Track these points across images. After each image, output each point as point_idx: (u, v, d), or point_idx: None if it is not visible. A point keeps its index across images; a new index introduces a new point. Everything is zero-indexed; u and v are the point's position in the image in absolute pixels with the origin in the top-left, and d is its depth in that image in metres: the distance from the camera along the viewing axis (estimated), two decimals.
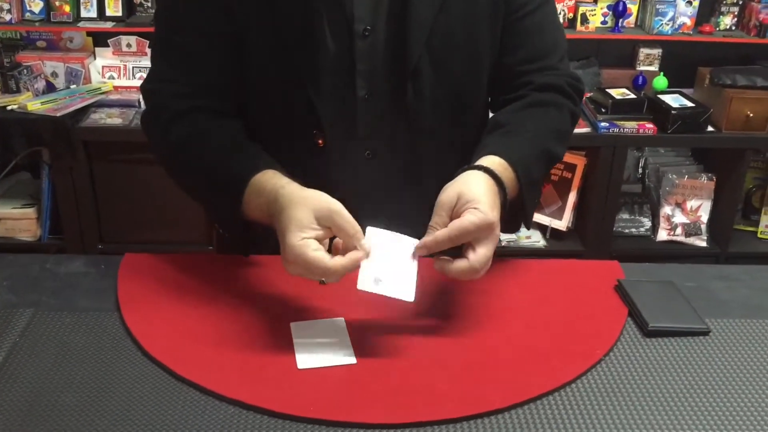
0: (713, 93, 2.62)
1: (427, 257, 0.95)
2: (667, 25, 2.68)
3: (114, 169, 2.55)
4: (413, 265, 0.93)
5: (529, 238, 2.72)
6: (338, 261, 0.89)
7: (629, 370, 0.93)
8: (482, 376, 0.91)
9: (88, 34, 2.72)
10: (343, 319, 0.99)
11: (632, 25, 2.77)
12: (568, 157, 2.63)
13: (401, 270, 0.93)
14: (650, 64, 2.80)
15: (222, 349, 0.94)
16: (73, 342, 0.95)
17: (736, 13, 2.74)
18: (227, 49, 1.08)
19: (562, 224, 2.72)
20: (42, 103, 2.50)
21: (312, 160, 1.11)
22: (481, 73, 1.15)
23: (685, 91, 2.69)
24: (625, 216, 2.79)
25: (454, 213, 0.94)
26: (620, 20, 2.70)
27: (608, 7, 2.71)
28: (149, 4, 2.71)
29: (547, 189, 2.70)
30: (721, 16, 2.74)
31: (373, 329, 0.98)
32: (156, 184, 2.43)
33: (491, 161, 1.01)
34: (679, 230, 2.76)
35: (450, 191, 0.95)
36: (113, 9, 2.67)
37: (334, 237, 0.93)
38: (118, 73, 2.72)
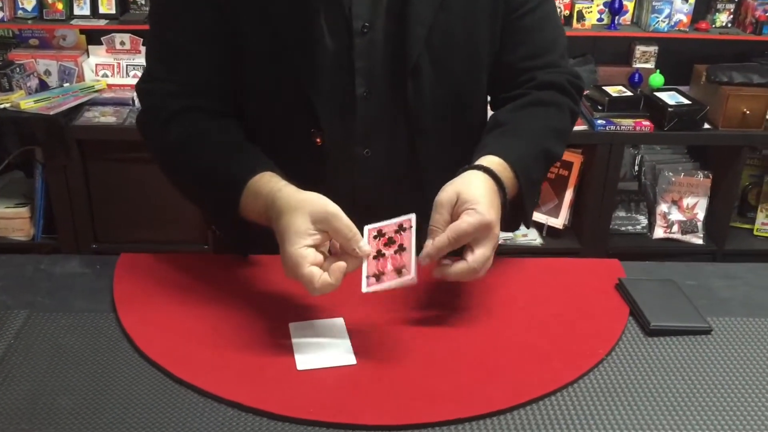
0: (709, 90, 2.62)
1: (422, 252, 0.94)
2: (663, 22, 2.68)
3: (108, 167, 2.53)
4: (410, 245, 0.92)
5: (526, 236, 2.71)
6: (325, 281, 0.88)
7: (631, 370, 0.93)
8: (483, 376, 0.90)
9: (82, 31, 2.71)
10: (342, 319, 0.98)
11: (628, 23, 2.77)
12: (565, 155, 2.62)
13: (399, 255, 0.91)
14: (646, 62, 2.79)
15: (220, 350, 0.93)
16: (68, 344, 0.94)
17: (732, 10, 2.74)
18: (223, 47, 1.07)
19: (559, 222, 2.71)
20: (35, 102, 2.49)
21: (310, 159, 1.10)
22: (481, 71, 1.15)
23: (681, 88, 2.69)
24: (622, 214, 2.79)
25: (454, 213, 0.94)
26: (616, 17, 2.70)
27: (604, 4, 2.70)
28: (143, 2, 2.70)
29: (543, 187, 2.70)
30: (717, 13, 2.74)
31: (372, 329, 0.97)
32: (150, 182, 2.42)
33: (491, 161, 1.01)
34: (675, 228, 2.76)
35: (449, 190, 0.95)
36: (106, 6, 2.65)
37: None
38: (112, 71, 2.70)
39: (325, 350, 0.93)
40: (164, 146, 1.09)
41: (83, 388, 0.87)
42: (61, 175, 2.50)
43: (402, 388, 0.87)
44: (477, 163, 1.01)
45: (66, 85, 2.65)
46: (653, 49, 2.78)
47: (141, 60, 2.66)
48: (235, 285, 1.06)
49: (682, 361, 0.95)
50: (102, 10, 2.65)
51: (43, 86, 2.65)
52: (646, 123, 2.55)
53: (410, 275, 0.89)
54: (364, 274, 0.91)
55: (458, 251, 0.95)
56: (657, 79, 2.70)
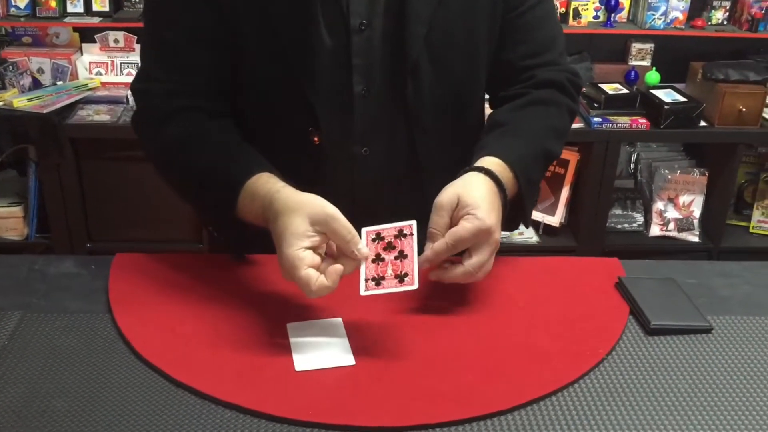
0: (706, 88, 2.62)
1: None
2: (660, 19, 2.67)
3: (102, 166, 2.52)
4: (412, 252, 0.92)
5: (522, 234, 2.71)
6: (322, 284, 0.88)
7: (632, 369, 0.92)
8: (484, 376, 0.89)
9: (75, 29, 2.69)
10: (340, 319, 0.97)
11: (624, 20, 2.77)
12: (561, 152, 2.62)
13: (400, 261, 0.91)
14: (642, 59, 2.79)
15: (217, 351, 0.92)
16: (63, 345, 0.93)
17: (728, 7, 2.74)
18: (219, 46, 1.06)
19: (555, 220, 2.71)
20: (28, 100, 2.47)
21: (308, 158, 1.09)
22: (480, 70, 1.14)
23: (677, 86, 2.69)
24: (618, 211, 2.78)
25: (454, 216, 0.94)
26: (612, 15, 2.70)
27: (600, 1, 2.70)
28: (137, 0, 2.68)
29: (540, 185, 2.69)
30: (713, 11, 2.74)
31: (371, 329, 0.96)
32: (145, 181, 2.41)
33: (491, 162, 1.01)
34: (671, 225, 2.76)
35: (450, 192, 0.95)
36: (100, 4, 2.64)
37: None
38: (106, 69, 2.68)
39: (323, 351, 0.92)
40: (160, 146, 1.08)
41: (78, 390, 0.86)
42: (55, 173, 2.48)
43: (401, 389, 0.87)
44: (477, 164, 1.00)
45: (59, 83, 2.64)
46: (649, 46, 2.78)
47: (135, 58, 2.64)
48: (232, 285, 1.05)
49: (683, 360, 0.94)
50: (95, 7, 2.63)
51: (36, 84, 2.63)
52: (643, 121, 2.54)
53: (413, 285, 0.89)
54: (363, 277, 0.91)
55: (459, 251, 0.95)
56: (653, 76, 2.70)
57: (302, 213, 0.89)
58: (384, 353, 0.92)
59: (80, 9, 2.63)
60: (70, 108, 2.51)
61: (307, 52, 1.04)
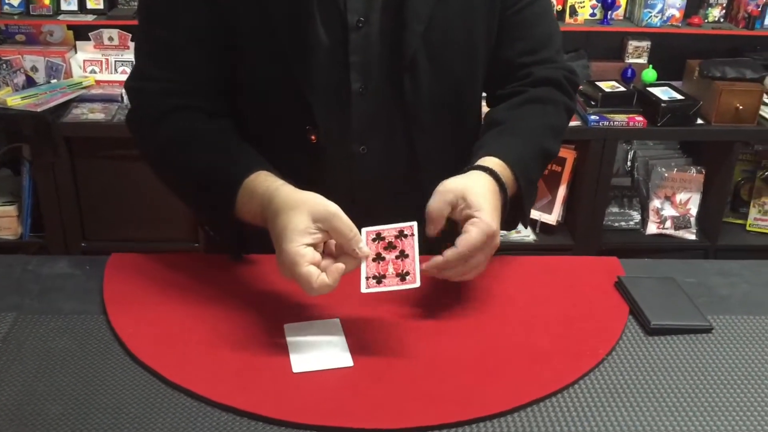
0: (702, 85, 2.61)
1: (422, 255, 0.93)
2: (656, 17, 2.67)
3: (96, 165, 2.51)
4: (413, 252, 0.92)
5: (519, 232, 2.70)
6: (323, 281, 0.87)
7: (632, 370, 0.92)
8: (483, 378, 0.89)
9: (69, 27, 2.68)
10: (338, 319, 0.96)
11: (621, 18, 2.76)
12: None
13: (401, 261, 0.91)
14: (639, 57, 2.79)
15: (213, 352, 0.91)
16: (57, 347, 0.92)
17: (724, 5, 2.74)
18: (215, 44, 1.05)
19: (552, 218, 2.71)
20: (22, 98, 2.46)
21: (306, 156, 1.08)
22: (478, 67, 1.14)
23: (674, 83, 2.69)
24: (615, 210, 2.78)
25: (456, 209, 0.94)
26: (609, 12, 2.69)
27: None
28: None
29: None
30: (709, 8, 2.74)
31: (369, 330, 0.95)
32: (139, 180, 2.40)
33: (492, 162, 1.01)
34: (668, 223, 2.76)
35: (458, 182, 0.95)
36: (94, 2, 2.62)
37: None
38: (100, 67, 2.67)
39: (321, 352, 0.91)
40: (156, 145, 1.07)
41: (73, 393, 0.85)
42: (49, 172, 2.47)
43: (400, 391, 0.86)
44: (479, 163, 1.00)
45: (53, 81, 2.62)
46: (646, 44, 2.78)
47: (130, 56, 2.63)
48: (228, 285, 1.04)
49: (684, 360, 0.94)
50: (90, 5, 2.62)
51: (30, 83, 2.62)
52: (639, 118, 2.54)
53: (415, 283, 0.89)
54: (363, 275, 0.90)
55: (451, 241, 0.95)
56: (650, 74, 2.70)
57: (304, 210, 0.89)
58: (382, 354, 0.91)
59: (74, 7, 2.62)
60: (65, 106, 2.50)
61: (304, 49, 1.03)
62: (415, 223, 0.93)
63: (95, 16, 2.61)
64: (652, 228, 2.77)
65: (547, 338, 0.96)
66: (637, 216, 2.79)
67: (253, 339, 0.93)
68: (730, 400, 0.87)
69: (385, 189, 1.12)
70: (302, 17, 1.02)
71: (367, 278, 0.90)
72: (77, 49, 2.68)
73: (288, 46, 1.03)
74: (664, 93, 2.59)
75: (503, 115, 1.11)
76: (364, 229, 0.93)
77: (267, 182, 0.96)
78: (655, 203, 2.76)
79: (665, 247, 2.74)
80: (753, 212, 2.82)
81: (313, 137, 1.07)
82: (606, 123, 2.52)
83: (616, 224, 2.78)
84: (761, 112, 2.59)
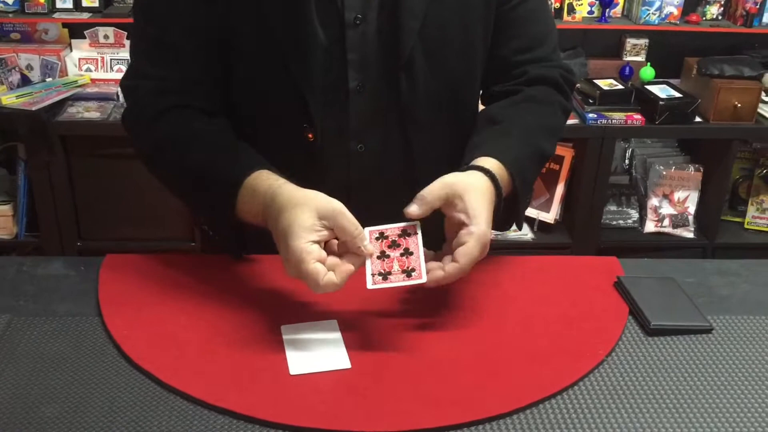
0: (700, 83, 2.61)
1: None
2: (654, 14, 2.66)
3: (92, 164, 2.49)
4: (417, 249, 0.92)
5: (517, 231, 2.69)
6: (330, 279, 0.87)
7: (632, 371, 0.91)
8: (482, 379, 0.88)
9: (64, 25, 2.66)
10: (336, 321, 0.95)
11: (619, 15, 2.75)
12: (556, 149, 2.61)
13: (406, 258, 0.91)
14: (637, 55, 2.78)
15: (209, 354, 0.90)
16: (51, 349, 0.91)
17: (722, 2, 2.73)
18: (211, 42, 1.04)
19: (550, 217, 2.70)
20: (17, 97, 2.45)
21: (303, 155, 1.08)
22: (476, 64, 1.13)
23: (672, 81, 2.68)
24: (613, 208, 2.77)
25: (450, 208, 0.93)
26: (607, 10, 2.68)
27: None
28: None
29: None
30: (707, 6, 2.73)
31: (367, 331, 0.95)
32: (136, 179, 2.38)
33: (490, 164, 0.99)
34: (666, 222, 2.75)
35: (459, 180, 0.94)
36: (89, 0, 2.60)
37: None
38: (96, 65, 2.66)
39: (318, 354, 0.90)
40: (154, 144, 1.06)
41: (67, 396, 0.84)
42: (45, 171, 2.46)
43: (399, 393, 0.85)
44: (477, 164, 0.99)
45: (49, 79, 2.61)
46: (644, 41, 2.77)
47: (125, 54, 2.62)
48: (224, 286, 1.03)
49: (684, 360, 0.93)
50: (85, 3, 2.60)
51: (25, 81, 2.60)
52: (638, 116, 2.53)
53: (422, 278, 0.89)
54: (369, 272, 0.90)
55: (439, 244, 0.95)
56: (648, 72, 2.69)
57: (309, 207, 0.88)
58: (380, 356, 0.91)
59: (69, 5, 2.60)
60: (60, 105, 2.48)
61: (301, 47, 1.02)
62: (417, 222, 0.94)
63: (90, 14, 2.60)
64: (650, 226, 2.76)
65: (547, 339, 0.95)
66: (635, 214, 2.79)
67: (249, 340, 0.92)
68: (730, 401, 0.86)
69: (382, 187, 1.12)
70: (299, 15, 1.01)
71: (373, 275, 0.90)
72: (72, 48, 2.67)
73: (285, 44, 1.02)
74: (662, 91, 2.58)
75: (500, 113, 1.11)
76: (366, 229, 0.92)
77: (269, 181, 0.95)
78: (653, 201, 2.76)
79: (663, 246, 2.74)
80: (751, 210, 2.82)
81: (310, 135, 1.06)
82: (604, 121, 2.52)
83: (614, 222, 2.78)
84: (759, 110, 2.58)
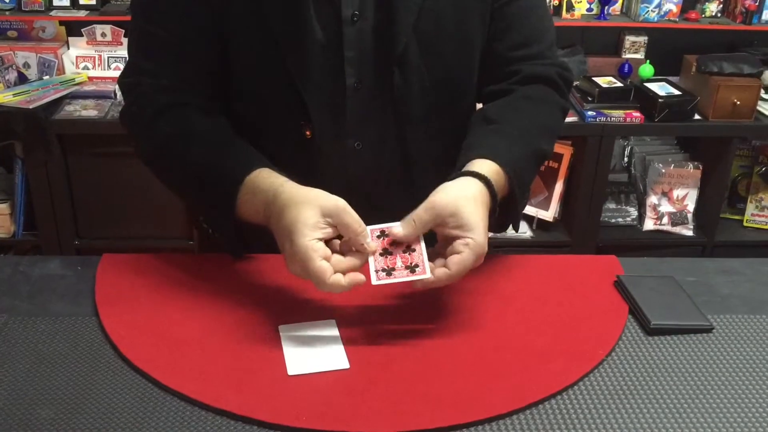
0: (700, 81, 2.60)
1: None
2: (653, 12, 2.65)
3: (90, 162, 2.49)
4: (420, 246, 0.92)
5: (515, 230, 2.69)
6: (337, 281, 0.87)
7: (632, 370, 0.91)
8: (482, 380, 0.87)
9: (61, 23, 2.65)
10: (334, 321, 0.95)
11: (618, 13, 2.75)
12: (555, 147, 2.60)
13: (409, 254, 0.92)
14: (636, 52, 2.77)
15: (207, 355, 0.90)
16: (48, 350, 0.91)
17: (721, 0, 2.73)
18: (208, 39, 1.04)
19: (549, 215, 2.69)
20: (14, 95, 2.44)
21: (300, 152, 1.07)
22: (472, 60, 1.12)
23: (671, 79, 2.68)
24: (612, 206, 2.77)
25: (447, 228, 0.91)
26: (606, 7, 2.68)
27: None
28: None
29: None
30: (707, 3, 2.72)
31: (366, 332, 0.94)
32: (133, 177, 2.38)
33: (485, 167, 0.98)
34: (665, 219, 2.75)
35: (450, 200, 0.92)
36: None
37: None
38: (93, 63, 2.65)
39: (316, 354, 0.90)
40: (153, 143, 1.06)
41: (64, 397, 0.83)
42: (42, 170, 2.45)
43: (398, 393, 0.85)
44: (473, 168, 0.97)
45: (46, 77, 2.60)
46: (643, 39, 2.76)
47: (123, 52, 2.61)
48: (222, 286, 1.02)
49: (684, 360, 0.93)
50: (82, 1, 2.60)
51: (22, 79, 2.59)
52: (637, 114, 2.53)
53: (426, 274, 0.90)
54: (372, 268, 0.91)
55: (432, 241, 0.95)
56: (647, 69, 2.68)
57: (313, 204, 0.88)
58: (379, 356, 0.90)
59: (66, 2, 2.59)
60: (57, 103, 2.48)
61: (298, 44, 1.02)
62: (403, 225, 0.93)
63: (88, 12, 2.59)
64: (649, 224, 2.76)
65: (546, 339, 0.95)
66: (634, 212, 2.78)
67: (247, 341, 0.92)
68: (731, 401, 0.86)
69: (380, 183, 1.11)
70: (297, 12, 1.01)
71: (377, 271, 0.90)
72: (70, 45, 2.66)
73: (283, 42, 1.02)
74: (661, 88, 2.57)
75: (496, 112, 1.09)
76: (367, 228, 0.92)
77: (270, 179, 0.95)
78: (653, 199, 2.75)
79: (662, 243, 2.73)
80: (750, 208, 2.82)
81: (307, 132, 1.06)
82: (603, 119, 2.51)
83: (613, 220, 2.77)
84: (759, 108, 2.58)
